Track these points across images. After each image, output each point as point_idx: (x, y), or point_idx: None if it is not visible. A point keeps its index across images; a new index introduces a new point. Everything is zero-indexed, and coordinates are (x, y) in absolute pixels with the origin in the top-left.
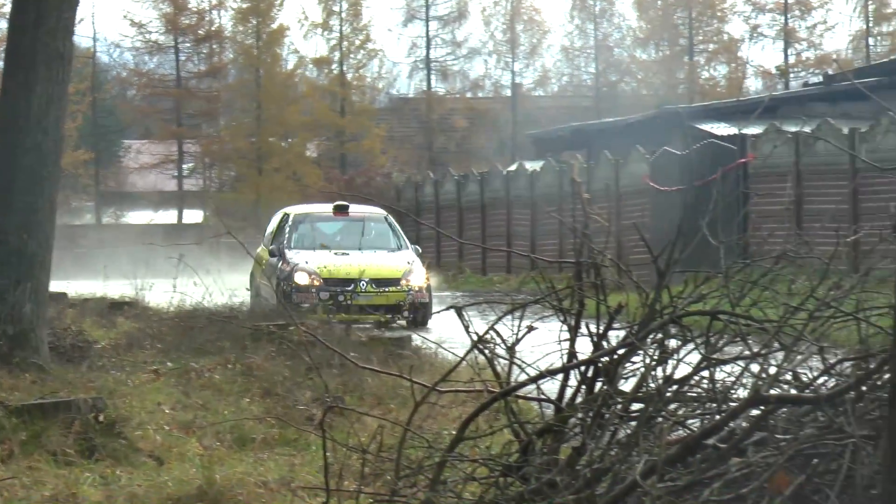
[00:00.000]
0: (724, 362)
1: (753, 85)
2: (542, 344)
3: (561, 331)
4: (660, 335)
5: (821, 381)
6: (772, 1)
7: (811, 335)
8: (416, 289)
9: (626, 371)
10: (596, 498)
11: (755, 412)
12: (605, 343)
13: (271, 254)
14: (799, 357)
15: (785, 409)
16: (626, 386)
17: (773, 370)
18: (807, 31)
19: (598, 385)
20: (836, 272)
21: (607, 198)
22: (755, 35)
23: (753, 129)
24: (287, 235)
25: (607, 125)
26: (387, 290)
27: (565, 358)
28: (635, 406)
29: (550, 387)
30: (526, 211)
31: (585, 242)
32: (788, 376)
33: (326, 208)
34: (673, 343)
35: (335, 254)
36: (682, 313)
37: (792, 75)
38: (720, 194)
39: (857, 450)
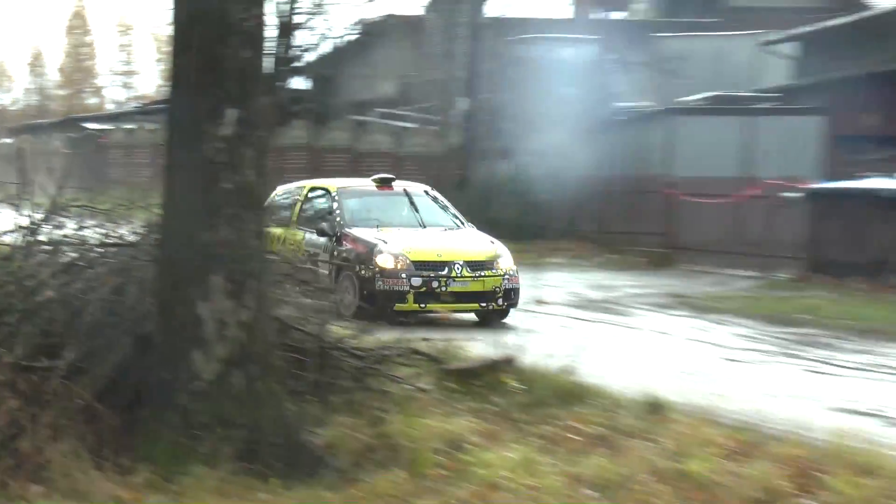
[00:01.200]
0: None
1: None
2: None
3: None
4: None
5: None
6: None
7: (135, 217)
8: (510, 272)
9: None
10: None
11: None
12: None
13: (321, 233)
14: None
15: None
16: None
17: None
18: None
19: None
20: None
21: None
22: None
23: (103, 127)
24: (337, 213)
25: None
26: (482, 274)
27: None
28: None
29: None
30: (11, 167)
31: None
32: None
33: (364, 182)
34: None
35: (403, 232)
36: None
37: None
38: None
39: (143, 271)
